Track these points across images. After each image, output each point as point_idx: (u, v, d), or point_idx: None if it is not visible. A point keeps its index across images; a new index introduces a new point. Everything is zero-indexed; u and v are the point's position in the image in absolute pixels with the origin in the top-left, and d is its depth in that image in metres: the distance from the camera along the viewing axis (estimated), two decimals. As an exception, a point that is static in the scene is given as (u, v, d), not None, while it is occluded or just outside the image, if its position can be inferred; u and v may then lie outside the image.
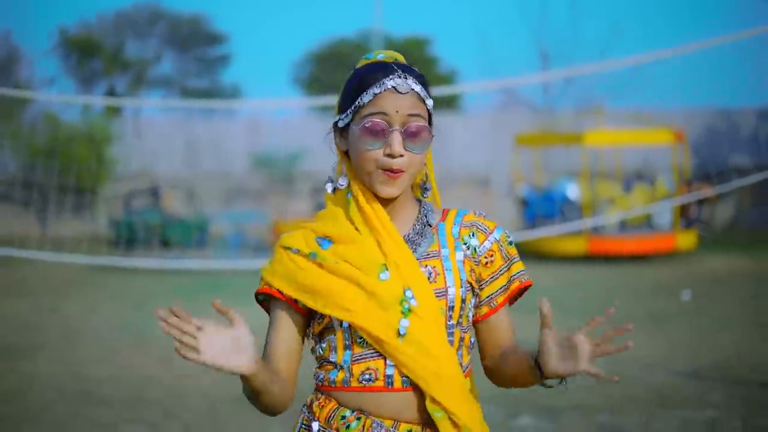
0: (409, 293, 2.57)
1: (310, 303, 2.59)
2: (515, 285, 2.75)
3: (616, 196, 21.73)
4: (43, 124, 27.30)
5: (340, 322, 2.60)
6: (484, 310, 2.74)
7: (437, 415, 2.59)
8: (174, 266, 15.28)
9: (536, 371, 2.64)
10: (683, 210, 21.92)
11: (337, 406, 2.62)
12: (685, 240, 21.13)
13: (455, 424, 2.60)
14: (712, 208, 27.02)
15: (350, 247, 2.60)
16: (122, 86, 41.08)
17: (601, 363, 8.57)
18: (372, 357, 2.59)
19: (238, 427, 7.68)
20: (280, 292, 2.65)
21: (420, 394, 2.59)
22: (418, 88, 2.58)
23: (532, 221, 21.72)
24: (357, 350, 2.61)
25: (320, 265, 2.59)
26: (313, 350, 2.72)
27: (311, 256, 2.60)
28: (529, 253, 21.52)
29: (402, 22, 79.67)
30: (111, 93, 39.32)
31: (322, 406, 2.64)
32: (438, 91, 15.44)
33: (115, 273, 18.95)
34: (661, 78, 49.23)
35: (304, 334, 2.70)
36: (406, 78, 2.57)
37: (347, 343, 2.61)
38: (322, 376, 2.66)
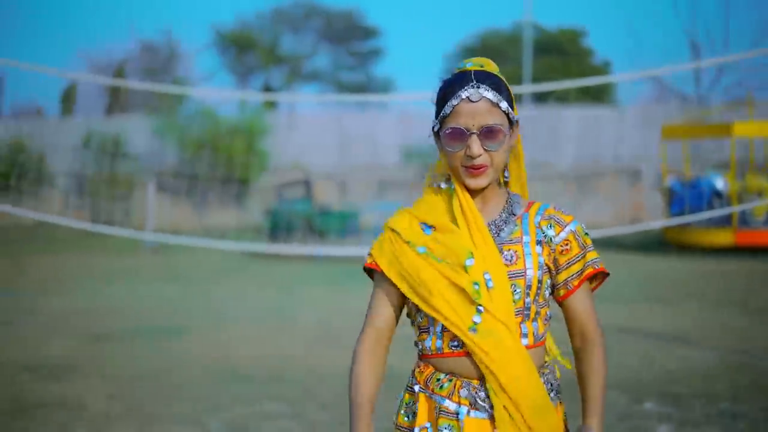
0: (487, 276, 2.98)
1: (404, 288, 3.05)
2: (589, 270, 3.06)
3: (764, 188, 21.44)
4: (201, 119, 28.20)
5: None
6: (562, 292, 3.09)
7: (498, 406, 2.98)
8: (319, 253, 15.74)
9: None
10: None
11: (434, 371, 3.08)
12: (836, 233, 20.74)
13: (512, 418, 2.98)
14: None
15: (447, 235, 3.03)
16: (278, 80, 42.00)
17: (737, 351, 8.76)
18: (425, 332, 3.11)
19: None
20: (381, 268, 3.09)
21: None
22: (490, 95, 2.98)
23: (679, 213, 21.59)
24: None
25: (419, 255, 3.03)
26: (412, 321, 3.16)
27: (418, 249, 3.03)
28: (675, 245, 21.43)
29: (554, 14, 79.16)
30: (267, 87, 40.25)
31: (422, 371, 3.11)
32: (586, 81, 15.53)
33: (265, 260, 19.61)
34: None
35: (400, 304, 3.14)
36: (478, 87, 2.97)
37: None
38: (420, 346, 3.12)
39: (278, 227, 23.16)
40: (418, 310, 3.08)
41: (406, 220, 3.10)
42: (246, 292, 15.56)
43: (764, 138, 24.26)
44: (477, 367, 2.99)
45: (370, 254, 3.13)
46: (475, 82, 2.99)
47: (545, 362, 3.09)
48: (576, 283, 3.07)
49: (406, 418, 3.15)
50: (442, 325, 3.02)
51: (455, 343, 3.01)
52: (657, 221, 19.31)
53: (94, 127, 28.40)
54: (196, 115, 28.67)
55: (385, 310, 3.12)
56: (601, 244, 22.89)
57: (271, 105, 33.79)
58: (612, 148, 30.46)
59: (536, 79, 34.07)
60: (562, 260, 3.06)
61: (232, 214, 27.70)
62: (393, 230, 3.08)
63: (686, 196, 21.87)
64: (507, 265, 3.00)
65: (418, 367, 3.13)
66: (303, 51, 43.54)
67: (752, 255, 19.99)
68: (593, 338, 3.07)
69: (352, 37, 44.69)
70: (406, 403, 3.16)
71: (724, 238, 20.50)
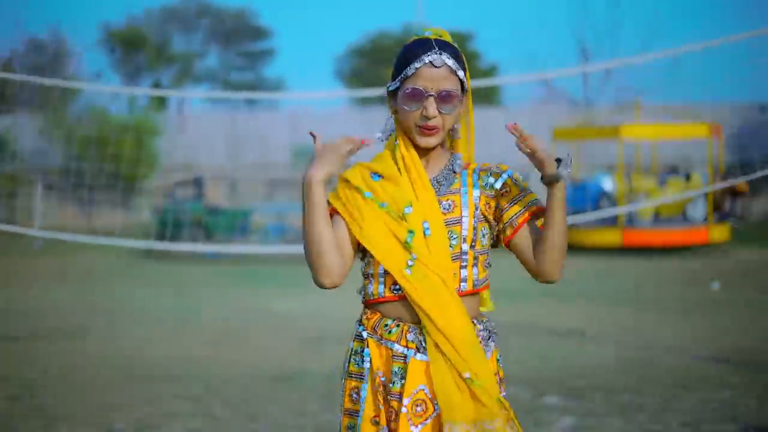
0: (426, 224, 3.17)
1: (354, 229, 3.20)
2: (533, 208, 3.27)
3: (651, 189, 21.96)
4: (90, 117, 27.80)
5: None
6: (508, 232, 3.28)
7: (430, 345, 3.13)
8: (210, 252, 15.69)
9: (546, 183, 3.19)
10: (717, 203, 22.12)
11: (381, 317, 3.22)
12: (719, 233, 21.33)
13: (445, 356, 3.12)
14: (747, 202, 27.14)
15: (391, 182, 3.21)
16: (167, 80, 41.61)
17: (631, 346, 8.98)
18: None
19: (276, 402, 8.07)
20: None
21: None
22: (450, 62, 3.18)
23: (568, 213, 21.96)
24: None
25: (365, 199, 3.20)
26: (362, 271, 3.30)
27: (364, 194, 3.20)
28: (565, 245, 21.80)
29: (444, 16, 79.81)
30: (156, 87, 39.85)
31: (369, 318, 3.24)
32: (478, 83, 15.75)
33: (156, 261, 19.48)
34: (699, 73, 49.14)
35: (356, 245, 3.24)
36: (440, 54, 3.17)
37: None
38: (364, 292, 3.27)
39: (166, 227, 22.93)
40: (364, 253, 3.24)
41: (357, 170, 3.26)
42: (141, 292, 15.43)
43: (651, 140, 24.83)
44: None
45: (328, 202, 3.23)
46: (437, 49, 3.18)
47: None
48: (520, 220, 3.25)
49: (356, 366, 3.24)
50: (384, 269, 3.17)
51: (396, 287, 3.17)
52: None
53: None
54: (84, 114, 28.25)
55: (342, 238, 3.21)
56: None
57: (161, 105, 33.47)
58: (500, 150, 30.80)
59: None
60: (504, 202, 3.26)
61: (121, 214, 27.32)
62: (345, 179, 3.23)
63: (574, 197, 22.26)
64: (444, 213, 3.20)
65: (365, 314, 3.26)
66: (193, 51, 43.21)
67: (638, 254, 20.44)
68: None
69: (243, 37, 44.48)
70: (354, 351, 3.26)
71: (611, 238, 20.93)
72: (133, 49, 40.71)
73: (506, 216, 3.26)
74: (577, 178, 23.83)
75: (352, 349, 3.26)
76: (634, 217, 21.38)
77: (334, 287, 3.20)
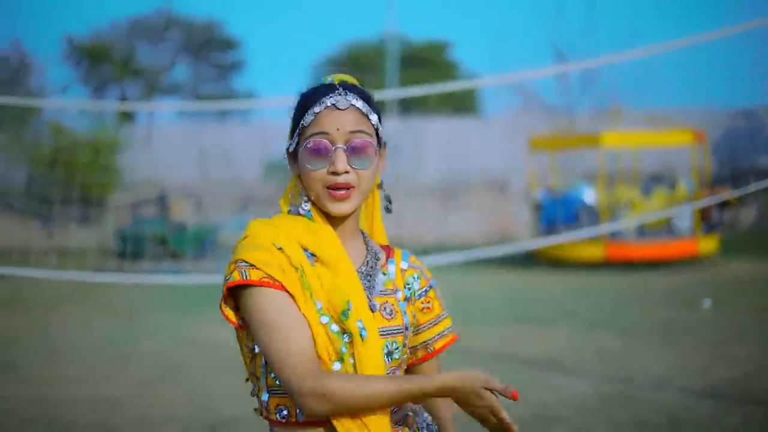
0: (360, 324, 2.51)
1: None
2: (450, 337, 2.73)
3: (634, 199, 21.00)
4: (48, 133, 26.85)
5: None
6: (421, 354, 2.72)
7: None
8: (162, 281, 14.68)
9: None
10: (704, 214, 21.14)
11: None
12: (707, 245, 20.38)
13: None
14: (735, 212, 26.24)
15: (330, 273, 2.52)
16: (135, 93, 40.63)
17: (614, 379, 7.86)
18: (286, 395, 2.52)
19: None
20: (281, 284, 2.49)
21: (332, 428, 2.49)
22: (359, 104, 2.55)
23: (548, 227, 21.05)
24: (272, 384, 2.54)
25: (303, 290, 2.49)
26: (257, 377, 2.58)
27: (303, 284, 2.50)
28: (544, 259, 20.83)
29: (420, 26, 79.02)
30: (123, 100, 38.90)
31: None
32: (452, 86, 14.80)
33: (115, 285, 18.40)
34: (680, 78, 48.36)
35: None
36: (346, 95, 2.54)
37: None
38: (265, 406, 2.58)
39: (135, 249, 22.01)
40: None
41: (283, 237, 2.53)
42: (87, 321, 14.33)
43: (632, 148, 23.88)
44: None
45: (251, 266, 2.47)
46: (341, 90, 2.56)
47: (413, 410, 2.64)
48: (438, 346, 2.71)
49: None
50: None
51: (284, 413, 2.53)
52: (529, 241, 18.72)
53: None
54: (44, 131, 27.27)
55: (307, 341, 2.46)
56: (468, 262, 22.19)
57: (128, 119, 32.49)
58: (479, 161, 29.90)
59: (402, 99, 33.46)
60: (423, 319, 2.69)
61: (85, 233, 26.32)
62: (277, 246, 2.50)
63: (555, 210, 21.34)
64: (388, 320, 2.57)
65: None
66: (161, 63, 42.18)
67: (622, 269, 19.48)
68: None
69: (212, 48, 43.49)
70: None
71: (594, 252, 19.96)
72: (98, 62, 39.71)
73: (422, 337, 2.69)
74: (557, 189, 22.85)
75: None
76: (617, 230, 20.39)
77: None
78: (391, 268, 2.66)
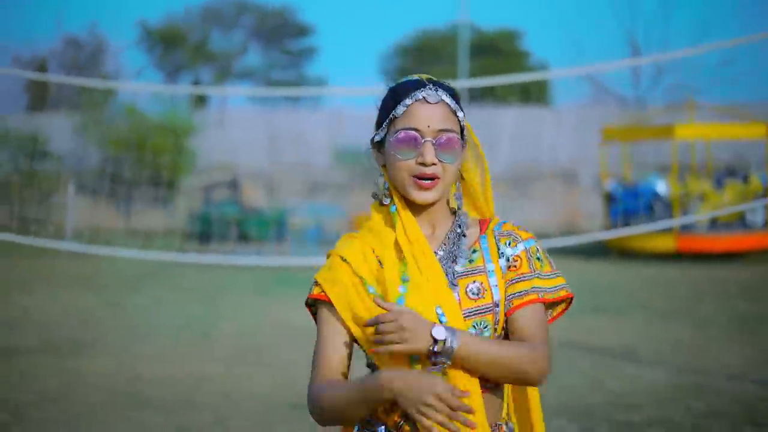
0: (439, 310, 2.58)
1: (351, 326, 2.64)
2: (532, 296, 2.67)
3: (707, 192, 20.89)
4: (125, 117, 27.22)
5: None
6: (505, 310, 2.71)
7: None
8: (244, 263, 14.92)
9: None
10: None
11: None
12: (780, 239, 20.25)
13: None
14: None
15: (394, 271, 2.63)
16: (207, 78, 41.01)
17: (690, 370, 7.90)
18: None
19: (289, 435, 7.20)
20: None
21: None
22: (448, 99, 2.65)
23: (619, 218, 21.02)
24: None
25: (369, 295, 2.62)
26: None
27: (368, 288, 2.63)
28: (615, 250, 20.82)
29: (491, 14, 78.82)
30: (196, 85, 39.26)
31: (387, 411, 2.61)
32: (525, 77, 14.85)
33: (189, 267, 18.71)
34: (753, 71, 47.85)
35: (352, 341, 2.69)
36: (436, 90, 2.64)
37: None
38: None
39: (208, 232, 22.34)
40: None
41: (358, 249, 2.68)
42: (166, 301, 14.61)
43: (705, 140, 23.76)
44: None
45: (316, 283, 2.70)
46: (432, 85, 2.66)
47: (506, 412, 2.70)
48: (516, 303, 2.66)
49: None
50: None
51: None
52: (602, 232, 18.69)
53: (11, 125, 27.24)
54: (120, 113, 27.66)
55: (336, 351, 2.66)
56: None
57: (201, 103, 32.84)
58: (549, 151, 29.88)
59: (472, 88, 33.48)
60: (510, 276, 2.68)
61: (158, 215, 26.72)
62: (344, 259, 2.66)
63: (626, 201, 21.30)
64: (475, 300, 2.62)
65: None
66: (234, 49, 42.51)
67: (693, 261, 19.42)
68: (536, 345, 2.62)
69: (284, 35, 43.73)
70: None
71: (665, 243, 19.91)
72: (172, 47, 40.12)
73: (508, 291, 2.67)
74: (629, 180, 22.79)
75: None
76: (688, 222, 20.31)
77: None
78: (484, 243, 2.71)
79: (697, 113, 23.67)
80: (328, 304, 2.66)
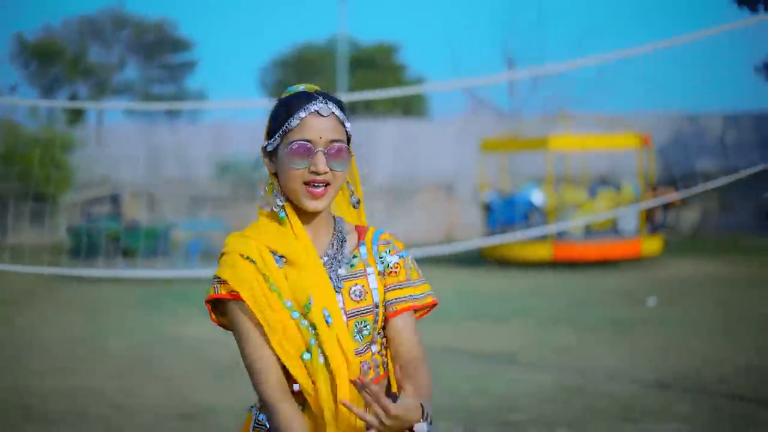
0: (326, 311, 2.81)
1: (260, 320, 2.77)
2: (411, 304, 2.93)
3: (581, 201, 21.49)
4: (1, 132, 26.82)
5: None
6: (386, 312, 2.94)
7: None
8: (127, 275, 14.91)
9: None
10: (649, 215, 21.72)
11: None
12: (651, 245, 20.93)
13: None
14: (678, 214, 26.86)
15: (295, 271, 2.82)
16: (84, 94, 40.52)
17: (569, 371, 8.28)
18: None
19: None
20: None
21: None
22: (337, 112, 2.87)
23: (496, 227, 21.47)
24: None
25: (271, 293, 2.79)
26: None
27: (271, 286, 2.79)
28: (493, 259, 21.26)
29: (370, 28, 79.28)
30: (73, 100, 38.80)
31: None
32: (403, 91, 15.14)
33: (72, 283, 18.59)
34: (628, 83, 49.12)
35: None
36: (326, 103, 2.85)
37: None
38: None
39: (81, 246, 22.11)
40: None
41: (254, 247, 2.84)
42: (51, 317, 14.56)
43: (579, 151, 24.40)
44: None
45: (221, 281, 2.81)
46: (322, 98, 2.87)
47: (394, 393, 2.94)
48: (399, 308, 2.91)
49: None
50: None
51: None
52: (478, 239, 19.10)
53: None
54: (-4, 129, 27.23)
55: (266, 351, 2.80)
56: (419, 259, 22.46)
57: (79, 118, 32.51)
58: (427, 163, 30.28)
59: (353, 101, 33.73)
60: (390, 281, 2.92)
61: (36, 232, 26.34)
62: (246, 257, 2.82)
63: (503, 211, 21.76)
64: (357, 302, 2.86)
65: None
66: (111, 63, 42.13)
67: (570, 269, 19.95)
68: (418, 356, 2.90)
69: (163, 49, 43.48)
70: None
71: (542, 252, 20.42)
72: (49, 62, 39.61)
73: (388, 296, 2.92)
74: (506, 190, 23.31)
75: None
76: (564, 230, 20.87)
77: None
78: (363, 250, 2.93)
79: (573, 123, 24.28)
80: (240, 302, 2.79)
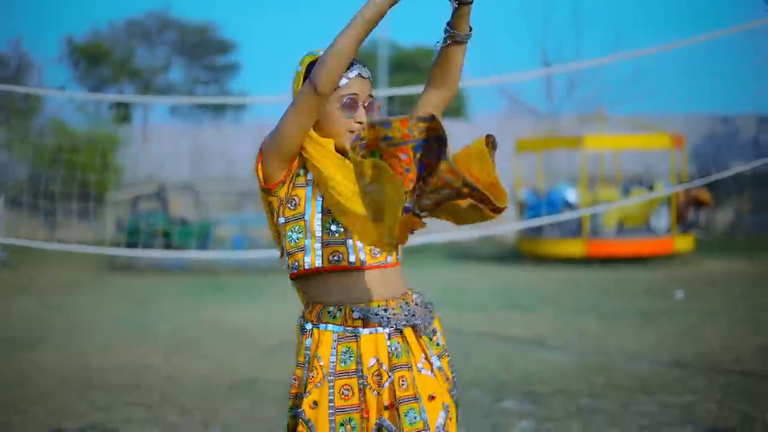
0: None
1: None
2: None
3: (614, 199, 21.96)
4: (51, 131, 27.57)
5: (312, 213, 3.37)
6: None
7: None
8: (176, 259, 15.56)
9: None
10: (680, 214, 22.17)
11: (322, 306, 3.38)
12: (682, 243, 21.37)
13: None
14: (710, 213, 27.25)
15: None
16: (131, 94, 41.34)
17: (592, 353, 8.89)
18: (337, 243, 3.35)
19: (230, 409, 7.95)
20: None
21: (380, 272, 3.38)
22: (370, 75, 3.51)
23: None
24: (325, 237, 3.36)
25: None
26: (282, 250, 3.45)
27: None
28: (529, 255, 21.80)
29: (409, 32, 79.84)
30: (119, 101, 39.61)
31: (311, 311, 3.41)
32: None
33: (120, 274, 19.30)
34: (662, 84, 49.42)
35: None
36: (364, 66, 3.49)
37: (318, 229, 3.37)
38: (297, 264, 3.38)
39: (135, 240, 22.76)
40: (285, 227, 3.39)
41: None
42: (102, 304, 15.26)
43: (613, 151, 24.86)
44: (360, 287, 3.33)
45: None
46: (360, 63, 3.47)
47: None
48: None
49: (302, 356, 3.41)
50: (323, 239, 3.32)
51: (335, 258, 3.33)
52: (513, 225, 19.62)
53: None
54: (46, 127, 28.00)
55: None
56: (459, 255, 23.07)
57: (125, 118, 33.27)
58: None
59: (391, 96, 34.19)
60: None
61: (87, 229, 27.09)
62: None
63: (539, 208, 22.27)
64: None
65: (306, 309, 3.42)
66: (156, 65, 42.98)
67: (602, 264, 20.43)
68: None
69: (207, 51, 44.28)
70: (302, 345, 3.42)
71: (575, 248, 20.92)
72: (96, 63, 40.48)
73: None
74: (541, 189, 23.83)
75: (299, 344, 3.42)
76: (597, 227, 21.38)
77: (324, 96, 3.24)
78: None
79: (607, 125, 24.75)
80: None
